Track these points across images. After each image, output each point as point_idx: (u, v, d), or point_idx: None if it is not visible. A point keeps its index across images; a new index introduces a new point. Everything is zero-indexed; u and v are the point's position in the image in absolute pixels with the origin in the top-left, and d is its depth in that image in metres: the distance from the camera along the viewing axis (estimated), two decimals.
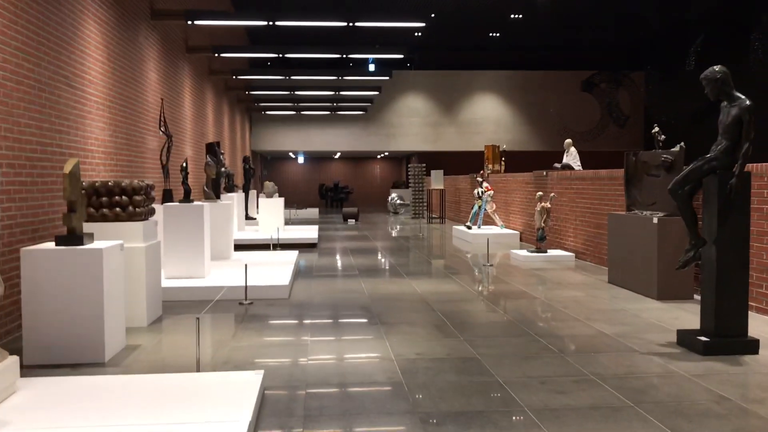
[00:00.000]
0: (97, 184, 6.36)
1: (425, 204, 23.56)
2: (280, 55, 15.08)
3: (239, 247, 12.73)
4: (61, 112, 7.10)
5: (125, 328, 5.65)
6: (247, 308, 7.26)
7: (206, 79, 16.92)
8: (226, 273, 8.79)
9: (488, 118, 27.85)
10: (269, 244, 12.81)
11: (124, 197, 6.38)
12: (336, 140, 27.90)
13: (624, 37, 25.30)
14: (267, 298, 7.73)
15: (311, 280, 9.24)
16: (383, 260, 11.76)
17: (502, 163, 17.75)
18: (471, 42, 27.23)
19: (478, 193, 15.49)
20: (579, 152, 13.69)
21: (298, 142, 28.04)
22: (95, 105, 8.23)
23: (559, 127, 27.38)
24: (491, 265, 10.66)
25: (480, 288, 8.67)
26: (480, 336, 5.95)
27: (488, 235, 14.61)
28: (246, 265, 7.73)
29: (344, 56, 16.69)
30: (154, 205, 6.93)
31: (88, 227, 5.71)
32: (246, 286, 7.55)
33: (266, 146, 27.97)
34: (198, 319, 4.89)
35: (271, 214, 14.80)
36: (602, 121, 27.06)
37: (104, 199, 6.36)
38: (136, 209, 6.41)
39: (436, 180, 21.04)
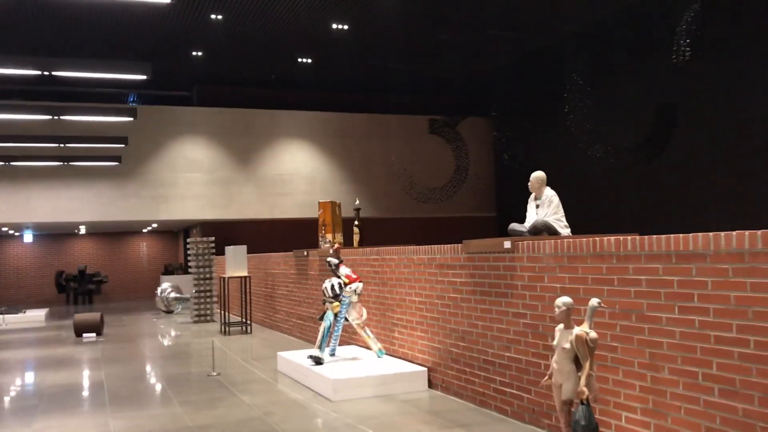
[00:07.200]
0: None
1: (215, 300, 15.30)
2: None
3: None
4: None
5: None
6: None
7: None
8: None
9: (299, 173, 20.46)
10: None
11: None
12: (74, 207, 18.46)
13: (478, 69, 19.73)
14: None
15: None
16: None
17: (356, 231, 10.36)
18: (273, 69, 19.90)
19: (332, 288, 7.86)
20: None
21: (11, 211, 18.13)
22: None
23: (401, 182, 20.48)
24: None
25: None
26: None
27: (364, 378, 6.97)
28: None
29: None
30: None
31: None
32: None
33: None
34: None
35: None
36: (457, 174, 20.66)
37: None
38: None
39: (236, 262, 12.96)
